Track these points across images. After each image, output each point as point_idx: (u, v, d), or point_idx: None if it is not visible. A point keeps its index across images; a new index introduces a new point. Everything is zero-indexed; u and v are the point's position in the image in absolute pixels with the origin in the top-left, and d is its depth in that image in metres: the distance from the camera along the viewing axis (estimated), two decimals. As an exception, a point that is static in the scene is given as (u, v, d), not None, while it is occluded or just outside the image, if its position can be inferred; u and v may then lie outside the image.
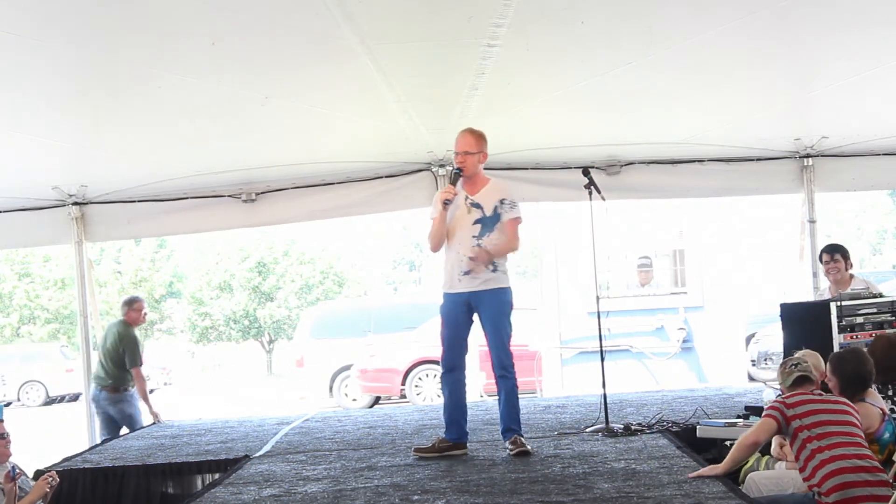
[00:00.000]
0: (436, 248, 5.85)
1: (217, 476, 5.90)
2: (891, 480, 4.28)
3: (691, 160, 8.28)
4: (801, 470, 4.34)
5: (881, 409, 4.71)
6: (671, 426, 6.36)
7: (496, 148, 7.86)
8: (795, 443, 4.38)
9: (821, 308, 6.53)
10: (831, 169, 8.34)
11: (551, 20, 5.07)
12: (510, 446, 5.64)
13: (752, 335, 14.12)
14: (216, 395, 22.28)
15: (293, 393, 16.91)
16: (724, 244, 11.47)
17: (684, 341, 11.22)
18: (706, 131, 7.61)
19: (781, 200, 10.11)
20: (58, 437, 13.64)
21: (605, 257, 11.05)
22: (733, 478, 4.81)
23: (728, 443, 5.25)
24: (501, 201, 5.69)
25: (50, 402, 24.60)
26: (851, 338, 6.23)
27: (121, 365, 8.15)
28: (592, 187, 6.45)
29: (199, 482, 6.20)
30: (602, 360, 6.48)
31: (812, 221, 8.42)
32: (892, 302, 6.40)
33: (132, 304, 8.46)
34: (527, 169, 8.31)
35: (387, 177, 8.24)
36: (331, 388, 15.96)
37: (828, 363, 4.89)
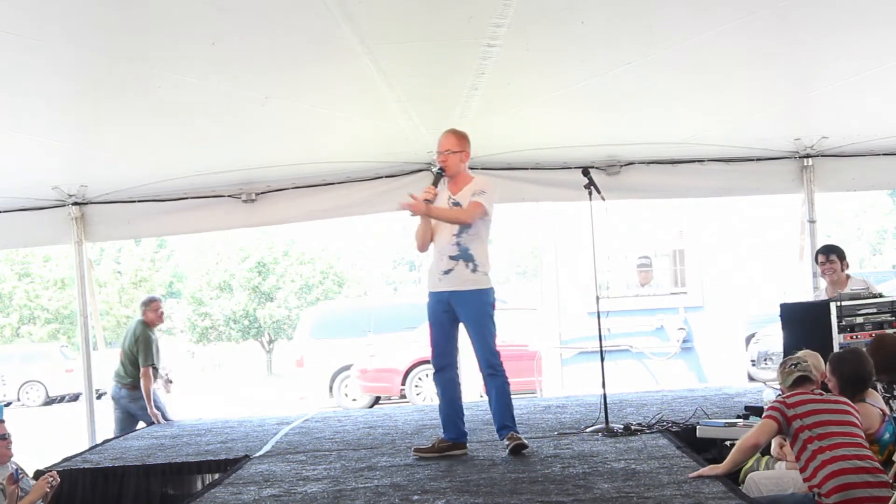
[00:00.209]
0: (421, 249, 5.89)
1: (217, 476, 5.90)
2: (891, 481, 4.28)
3: (691, 160, 8.27)
4: (802, 470, 4.34)
5: (881, 410, 4.71)
6: (671, 426, 6.36)
7: (496, 148, 7.91)
8: (796, 443, 4.37)
9: (821, 308, 6.54)
10: (831, 169, 8.34)
11: (551, 20, 5.07)
12: (507, 442, 5.65)
13: (752, 335, 14.13)
14: (216, 395, 22.27)
15: (293, 393, 16.92)
16: (724, 244, 11.48)
17: (684, 341, 11.23)
18: (706, 131, 7.61)
19: (781, 200, 10.12)
20: (58, 437, 13.63)
21: (605, 257, 11.06)
22: (733, 478, 4.81)
23: (728, 443, 5.26)
24: (473, 192, 5.69)
25: (50, 402, 24.59)
26: (851, 338, 6.24)
27: (137, 364, 8.30)
28: (592, 187, 6.46)
29: (199, 482, 6.20)
30: (602, 360, 6.49)
31: (812, 221, 8.41)
32: (892, 302, 6.41)
33: (149, 305, 8.64)
34: (527, 169, 8.30)
35: (387, 177, 8.23)
36: (331, 388, 15.97)
37: (827, 363, 4.90)
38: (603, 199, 6.44)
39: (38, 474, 5.63)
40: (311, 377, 16.13)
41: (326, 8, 4.62)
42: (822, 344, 5.95)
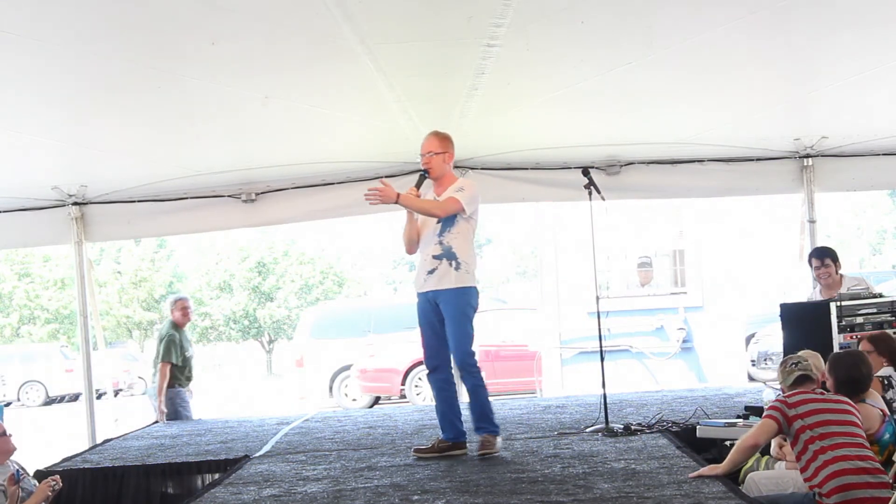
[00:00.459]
0: (409, 250, 5.89)
1: (217, 476, 5.90)
2: (891, 481, 4.28)
3: (691, 160, 8.27)
4: (803, 470, 4.34)
5: (881, 411, 4.71)
6: (671, 426, 6.36)
7: (496, 148, 7.92)
8: (797, 444, 4.37)
9: (821, 308, 6.54)
10: (831, 169, 8.33)
11: (551, 20, 5.07)
12: (477, 443, 5.63)
13: (752, 335, 14.13)
14: (216, 395, 22.27)
15: (293, 393, 16.91)
16: (724, 244, 11.47)
17: (684, 341, 11.23)
18: (706, 131, 7.61)
19: (781, 200, 10.12)
20: (58, 437, 13.64)
21: (605, 257, 11.07)
22: (733, 478, 4.81)
23: (728, 443, 5.25)
24: (454, 191, 5.69)
25: (50, 402, 24.61)
26: (851, 338, 6.24)
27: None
28: (592, 187, 6.46)
29: (199, 482, 6.19)
30: (602, 360, 6.49)
31: (812, 221, 8.41)
32: (892, 302, 6.41)
33: (174, 304, 8.96)
34: (527, 169, 8.30)
35: (387, 177, 8.21)
36: (331, 388, 15.98)
37: (827, 363, 4.90)
38: (603, 199, 6.44)
39: (39, 474, 5.64)
40: (311, 377, 16.13)
41: (326, 8, 4.62)
42: (822, 344, 5.96)
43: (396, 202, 5.57)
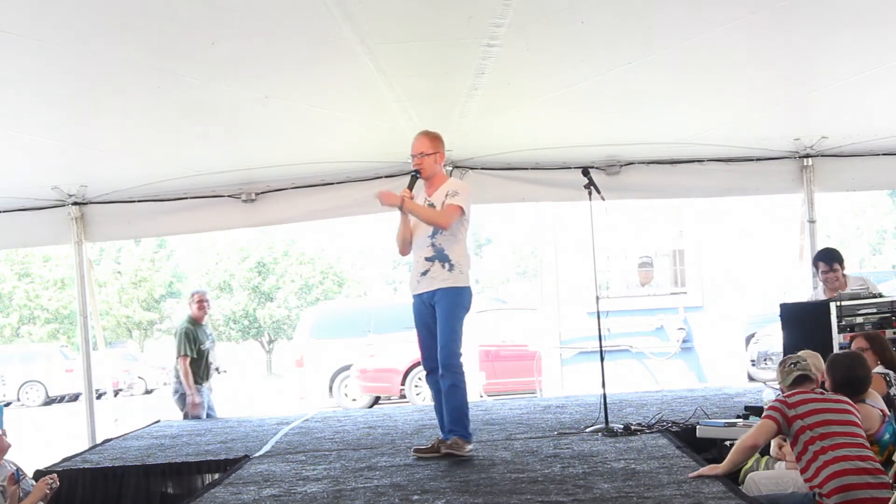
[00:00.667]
0: (402, 251, 5.91)
1: (217, 476, 5.91)
2: (891, 482, 4.28)
3: (691, 160, 8.27)
4: (803, 471, 4.33)
5: (881, 411, 4.71)
6: (671, 426, 6.36)
7: (496, 148, 7.92)
8: (797, 445, 4.37)
9: (821, 308, 6.54)
10: (831, 169, 8.33)
11: (551, 20, 5.07)
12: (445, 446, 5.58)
13: (752, 335, 14.13)
14: (216, 395, 22.25)
15: (293, 393, 16.91)
16: (724, 244, 11.47)
17: (684, 341, 11.23)
18: (706, 131, 7.61)
19: (781, 200, 10.11)
20: (58, 437, 13.64)
21: (605, 257, 11.07)
22: (733, 478, 4.81)
23: (728, 443, 5.25)
24: (447, 194, 5.69)
25: (50, 402, 24.61)
26: (851, 338, 6.23)
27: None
28: (592, 187, 6.46)
29: (199, 482, 6.20)
30: (602, 360, 6.49)
31: (812, 221, 8.41)
32: (892, 302, 6.41)
33: (191, 297, 9.11)
34: (527, 169, 8.30)
35: (387, 177, 8.22)
36: (331, 388, 15.98)
37: (825, 364, 4.90)
38: (603, 199, 6.44)
39: (38, 474, 5.64)
40: (311, 377, 16.13)
41: (326, 8, 4.62)
42: (821, 344, 5.95)
43: (401, 206, 5.61)
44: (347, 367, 15.72)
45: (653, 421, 6.52)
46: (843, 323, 6.34)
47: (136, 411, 15.10)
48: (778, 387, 5.03)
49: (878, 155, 8.25)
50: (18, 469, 5.34)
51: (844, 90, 6.54)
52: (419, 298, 5.75)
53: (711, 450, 5.84)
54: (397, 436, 6.84)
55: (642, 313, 11.23)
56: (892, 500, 3.99)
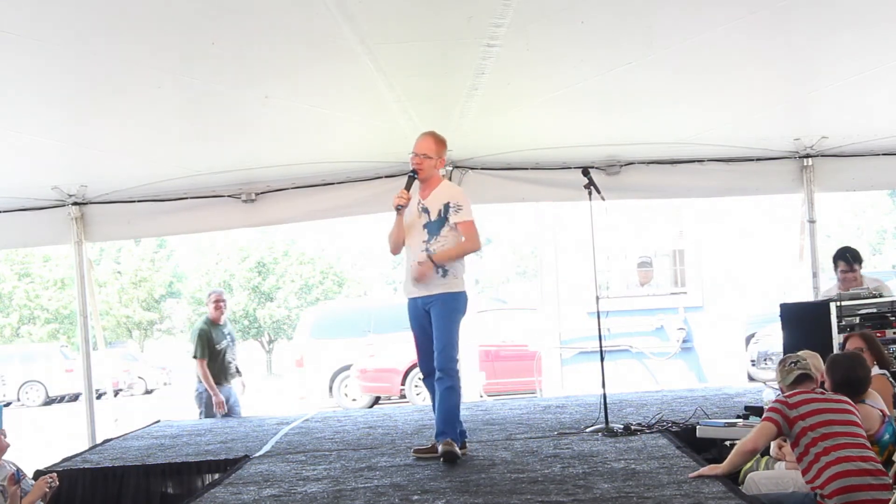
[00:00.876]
0: (394, 251, 5.90)
1: (217, 476, 5.91)
2: (892, 482, 4.27)
3: (691, 160, 8.27)
4: (805, 472, 4.33)
5: (881, 411, 4.71)
6: (671, 426, 6.36)
7: (496, 148, 7.92)
8: (798, 446, 4.36)
9: (820, 308, 6.54)
10: (831, 169, 8.33)
11: (551, 20, 5.07)
12: (441, 448, 5.53)
13: (752, 335, 14.13)
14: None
15: (293, 393, 16.91)
16: (724, 244, 11.47)
17: (684, 341, 11.23)
18: (706, 131, 7.61)
19: (781, 200, 10.11)
20: (58, 437, 13.63)
21: (605, 257, 11.07)
22: (733, 478, 4.80)
23: (728, 443, 5.26)
24: (446, 205, 5.64)
25: (50, 402, 24.61)
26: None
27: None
28: (592, 187, 6.46)
29: (199, 482, 6.20)
30: (602, 360, 6.49)
31: (812, 221, 8.41)
32: (892, 302, 6.41)
33: (208, 297, 9.12)
34: (527, 169, 8.30)
35: (387, 177, 8.23)
36: (331, 388, 15.98)
37: (825, 364, 4.89)
38: (603, 199, 6.44)
39: (38, 474, 5.64)
40: (311, 377, 16.13)
41: (326, 8, 4.62)
42: (821, 344, 5.95)
43: (434, 262, 5.57)
44: (347, 367, 15.72)
45: (653, 421, 6.52)
46: (843, 323, 6.34)
47: (136, 411, 15.11)
48: (778, 387, 5.02)
49: (878, 155, 8.25)
50: (18, 469, 5.34)
51: (844, 90, 6.54)
52: (414, 302, 5.74)
53: (711, 450, 5.84)
54: (397, 436, 6.84)
55: (642, 313, 11.23)
56: (892, 500, 3.98)
